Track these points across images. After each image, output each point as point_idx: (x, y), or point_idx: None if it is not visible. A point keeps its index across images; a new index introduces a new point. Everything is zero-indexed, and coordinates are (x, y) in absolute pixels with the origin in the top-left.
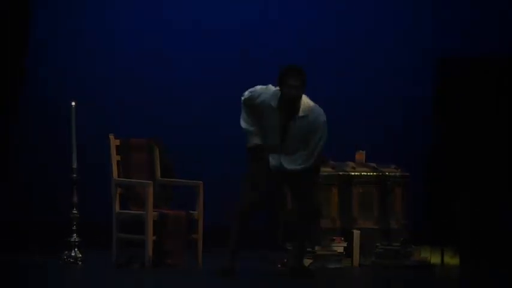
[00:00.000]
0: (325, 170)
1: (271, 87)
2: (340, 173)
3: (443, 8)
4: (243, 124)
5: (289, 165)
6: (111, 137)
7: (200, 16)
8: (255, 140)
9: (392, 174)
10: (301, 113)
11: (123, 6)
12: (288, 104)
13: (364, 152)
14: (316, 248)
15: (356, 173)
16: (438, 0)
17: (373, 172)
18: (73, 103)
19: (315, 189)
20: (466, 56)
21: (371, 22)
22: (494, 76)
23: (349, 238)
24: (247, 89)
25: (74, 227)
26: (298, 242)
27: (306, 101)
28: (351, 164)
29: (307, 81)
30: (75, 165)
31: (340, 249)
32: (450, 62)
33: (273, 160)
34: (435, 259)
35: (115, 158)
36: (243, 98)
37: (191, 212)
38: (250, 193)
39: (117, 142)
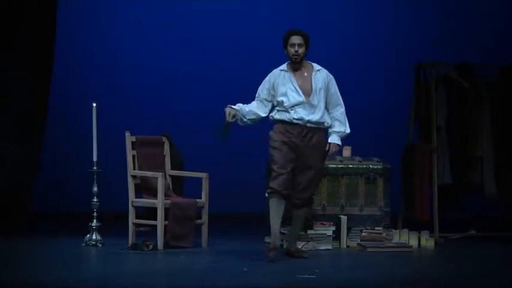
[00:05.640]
0: None
1: (275, 69)
2: (330, 166)
3: (423, 21)
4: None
5: (314, 117)
6: (127, 134)
7: (209, 20)
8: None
9: (375, 166)
10: (316, 68)
11: (136, 10)
12: (295, 63)
13: (350, 147)
14: (309, 231)
15: (343, 166)
16: (419, 14)
17: (358, 165)
18: (94, 104)
19: (319, 181)
20: (441, 62)
21: (361, 30)
22: (464, 80)
23: (337, 223)
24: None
25: (95, 214)
26: (292, 227)
27: (313, 63)
28: (339, 157)
29: (309, 41)
30: (95, 159)
31: (330, 233)
32: (427, 67)
33: (301, 114)
34: (413, 242)
35: (131, 152)
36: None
37: (198, 200)
38: (273, 174)
39: (133, 139)
